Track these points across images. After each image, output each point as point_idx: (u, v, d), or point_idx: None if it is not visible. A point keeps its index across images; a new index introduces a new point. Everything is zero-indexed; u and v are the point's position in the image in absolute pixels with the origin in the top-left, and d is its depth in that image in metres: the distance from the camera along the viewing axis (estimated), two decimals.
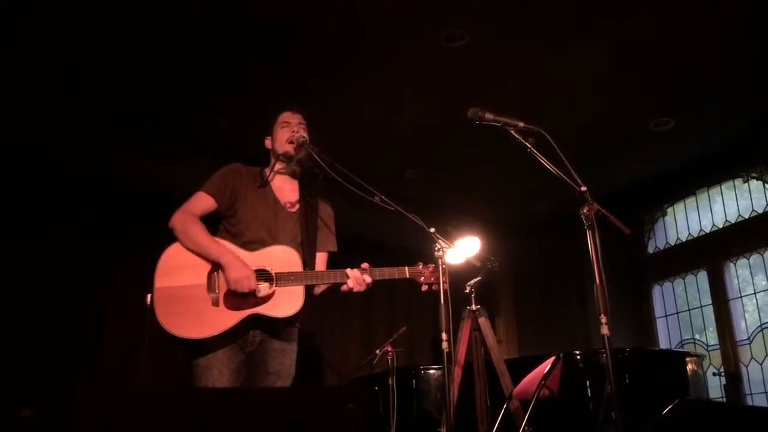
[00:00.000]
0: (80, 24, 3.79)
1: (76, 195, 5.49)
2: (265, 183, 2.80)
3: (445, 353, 2.45)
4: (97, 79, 4.35)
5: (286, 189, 2.85)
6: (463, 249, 4.11)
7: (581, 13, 3.88)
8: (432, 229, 2.60)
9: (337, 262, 2.86)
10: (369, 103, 4.80)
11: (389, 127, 5.11)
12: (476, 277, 3.28)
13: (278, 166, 2.86)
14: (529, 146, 2.33)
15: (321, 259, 2.85)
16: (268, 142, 2.90)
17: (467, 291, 3.35)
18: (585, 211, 2.18)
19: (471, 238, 4.76)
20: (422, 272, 2.76)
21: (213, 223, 2.76)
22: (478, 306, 3.33)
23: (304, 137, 2.76)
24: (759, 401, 5.46)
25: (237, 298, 2.52)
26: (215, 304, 2.50)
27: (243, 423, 1.49)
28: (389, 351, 4.46)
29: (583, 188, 2.21)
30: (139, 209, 5.56)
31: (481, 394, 3.29)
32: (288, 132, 2.80)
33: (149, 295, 2.47)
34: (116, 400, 1.44)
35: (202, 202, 2.70)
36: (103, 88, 4.46)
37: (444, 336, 2.45)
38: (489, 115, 2.40)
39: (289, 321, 2.64)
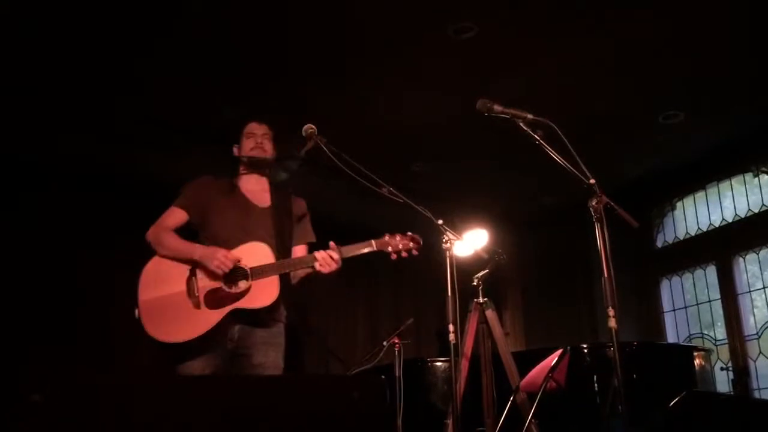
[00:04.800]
0: (83, 15, 3.79)
1: (77, 188, 5.52)
2: (234, 189, 2.90)
3: (452, 345, 2.45)
4: (99, 74, 4.35)
5: (255, 190, 2.94)
6: (471, 241, 4.10)
7: (590, 5, 3.86)
8: (440, 221, 2.60)
9: None
10: (376, 96, 4.78)
11: (396, 120, 5.09)
12: (484, 269, 3.28)
13: (243, 170, 2.96)
14: (538, 138, 2.31)
15: (301, 251, 2.91)
16: (235, 150, 3.00)
17: (475, 283, 3.35)
18: (593, 203, 2.16)
19: (479, 231, 4.76)
20: (389, 242, 2.73)
21: (193, 236, 2.84)
22: (486, 298, 3.32)
23: (312, 127, 2.75)
24: (767, 397, 5.45)
25: (216, 297, 2.59)
26: (197, 306, 2.59)
27: (248, 410, 1.50)
28: (396, 343, 4.46)
29: (592, 180, 2.20)
30: (143, 200, 5.58)
31: (488, 386, 3.28)
32: (252, 142, 2.93)
33: (136, 310, 2.56)
34: (120, 387, 1.45)
35: (175, 216, 2.83)
36: (104, 82, 4.46)
37: (451, 328, 2.45)
38: (498, 107, 2.38)
39: (269, 309, 2.68)
